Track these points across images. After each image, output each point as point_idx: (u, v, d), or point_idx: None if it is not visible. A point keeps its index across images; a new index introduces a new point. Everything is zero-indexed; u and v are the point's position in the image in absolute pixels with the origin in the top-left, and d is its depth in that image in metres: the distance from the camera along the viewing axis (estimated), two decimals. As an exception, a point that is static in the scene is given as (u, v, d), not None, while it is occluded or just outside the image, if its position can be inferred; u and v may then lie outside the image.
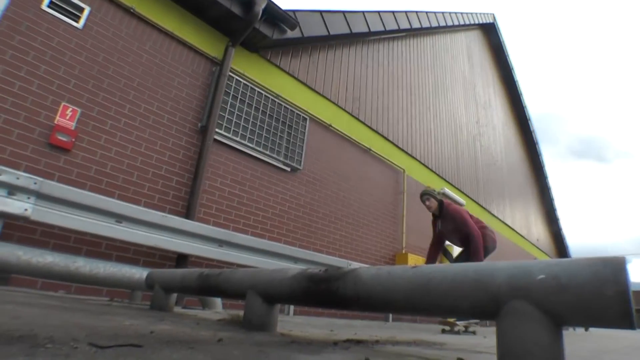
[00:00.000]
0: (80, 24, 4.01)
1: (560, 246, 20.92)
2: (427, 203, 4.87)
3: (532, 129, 17.79)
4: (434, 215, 4.98)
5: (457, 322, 4.50)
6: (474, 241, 4.42)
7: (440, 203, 4.83)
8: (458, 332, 4.27)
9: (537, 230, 18.04)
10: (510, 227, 14.30)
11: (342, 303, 1.34)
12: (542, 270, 1.02)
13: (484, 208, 12.34)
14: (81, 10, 4.04)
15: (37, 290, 3.26)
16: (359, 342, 1.77)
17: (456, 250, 9.79)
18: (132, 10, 4.41)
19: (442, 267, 1.20)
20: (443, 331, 4.34)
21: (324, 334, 2.11)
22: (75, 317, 1.53)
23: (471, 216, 4.80)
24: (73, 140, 3.74)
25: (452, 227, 4.74)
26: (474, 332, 4.44)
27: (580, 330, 10.67)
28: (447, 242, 9.10)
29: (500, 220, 13.48)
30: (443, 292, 1.13)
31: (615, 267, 0.92)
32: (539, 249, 17.50)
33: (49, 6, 3.81)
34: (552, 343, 0.97)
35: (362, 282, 1.25)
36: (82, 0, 4.06)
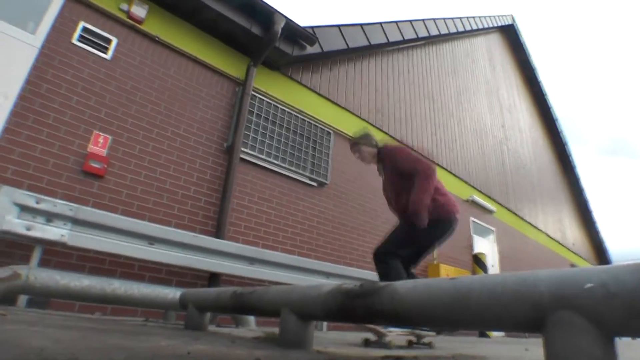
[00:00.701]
0: (108, 55, 4.18)
1: (599, 250, 20.04)
2: (357, 155, 3.40)
3: (559, 130, 17.27)
4: (379, 172, 3.43)
5: (389, 331, 2.89)
6: (421, 176, 2.90)
7: (379, 151, 3.32)
8: (387, 345, 2.72)
9: (573, 234, 17.35)
10: (543, 232, 13.83)
11: (379, 319, 1.30)
12: (589, 278, 0.97)
13: (515, 214, 12.00)
14: (109, 42, 4.21)
15: (75, 312, 3.34)
16: (398, 358, 1.73)
17: (491, 265, 9.43)
18: (157, 39, 4.56)
19: (480, 278, 1.16)
20: (366, 342, 2.80)
21: (361, 351, 2.07)
22: (113, 339, 1.56)
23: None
24: (105, 166, 3.87)
25: (393, 173, 3.16)
26: (429, 345, 2.98)
27: (626, 340, 10.14)
28: (480, 251, 8.92)
29: (532, 225, 13.06)
30: (483, 305, 1.08)
31: (670, 271, 0.86)
32: (576, 253, 16.81)
33: (78, 40, 3.99)
34: (605, 356, 0.91)
35: (399, 297, 1.22)
36: (110, 32, 4.24)
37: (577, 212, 18.65)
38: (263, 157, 5.19)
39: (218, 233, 4.44)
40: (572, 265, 14.95)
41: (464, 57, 11.73)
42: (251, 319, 3.93)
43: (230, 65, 5.26)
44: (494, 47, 14.19)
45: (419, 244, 3.04)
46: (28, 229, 3.03)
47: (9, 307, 2.67)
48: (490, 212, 10.31)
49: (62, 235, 3.19)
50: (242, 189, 4.95)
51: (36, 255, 3.17)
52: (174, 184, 4.35)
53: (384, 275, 2.86)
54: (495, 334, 7.33)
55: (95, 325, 2.15)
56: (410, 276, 3.03)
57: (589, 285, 0.95)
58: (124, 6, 4.36)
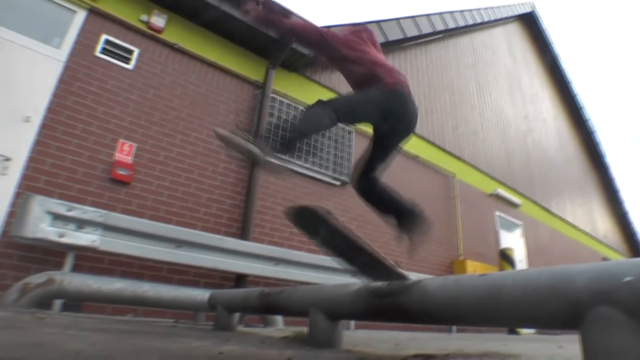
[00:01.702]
0: (131, 66, 4.28)
1: (631, 242, 19.28)
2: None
3: (585, 118, 16.65)
4: None
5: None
6: None
7: None
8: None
9: (604, 226, 16.74)
10: (572, 225, 13.40)
11: (409, 317, 1.29)
12: (627, 271, 0.93)
13: (542, 207, 11.68)
14: (131, 52, 4.31)
15: (108, 315, 3.43)
16: (428, 356, 1.71)
17: (518, 260, 9.18)
18: (176, 47, 4.64)
19: (512, 273, 1.13)
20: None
21: (390, 349, 2.05)
22: (146, 341, 1.59)
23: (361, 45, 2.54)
24: (131, 173, 3.96)
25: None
26: None
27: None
28: (507, 246, 8.73)
29: (560, 218, 12.69)
30: (516, 301, 1.06)
31: None
32: (608, 246, 16.22)
33: (101, 52, 4.10)
34: (648, 353, 0.87)
35: (428, 294, 1.20)
36: (131, 43, 4.34)
37: (607, 203, 17.99)
38: (285, 158, 5.21)
39: (243, 235, 4.49)
40: (605, 259, 14.47)
41: (484, 49, 11.49)
42: (279, 318, 3.96)
43: (249, 68, 5.31)
44: (514, 37, 13.85)
45: (360, 115, 2.47)
46: (61, 236, 3.14)
47: (45, 311, 2.76)
48: (515, 205, 10.08)
49: (93, 241, 3.29)
50: (266, 191, 4.99)
51: (69, 261, 3.27)
52: (198, 188, 4.42)
53: (301, 119, 2.22)
54: (525, 331, 7.16)
55: (128, 327, 2.21)
56: (373, 182, 2.60)
57: (628, 278, 0.91)
58: (144, 17, 4.45)
